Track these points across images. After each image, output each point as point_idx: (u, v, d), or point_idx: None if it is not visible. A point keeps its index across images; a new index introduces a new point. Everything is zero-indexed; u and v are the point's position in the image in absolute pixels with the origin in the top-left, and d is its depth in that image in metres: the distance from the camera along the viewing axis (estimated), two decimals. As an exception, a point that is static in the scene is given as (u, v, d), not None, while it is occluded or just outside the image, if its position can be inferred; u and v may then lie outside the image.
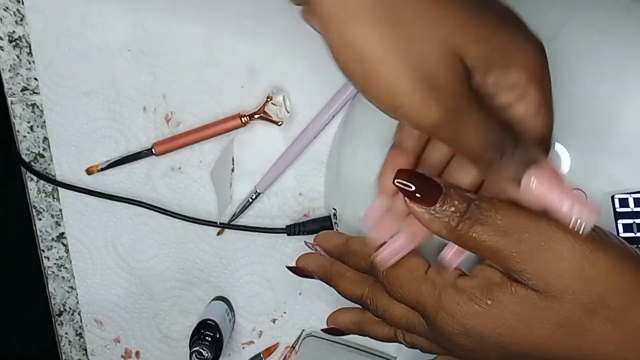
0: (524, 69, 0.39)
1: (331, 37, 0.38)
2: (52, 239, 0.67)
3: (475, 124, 0.38)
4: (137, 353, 0.70)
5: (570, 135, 0.50)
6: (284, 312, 0.67)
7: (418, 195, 0.40)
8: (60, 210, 0.66)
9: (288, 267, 0.52)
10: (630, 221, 0.49)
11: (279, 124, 0.62)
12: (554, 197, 0.38)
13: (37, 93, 0.64)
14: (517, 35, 0.40)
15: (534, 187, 0.38)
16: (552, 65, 0.51)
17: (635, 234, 0.49)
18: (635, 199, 0.49)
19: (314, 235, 0.63)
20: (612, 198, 0.49)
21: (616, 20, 0.54)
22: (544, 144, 0.41)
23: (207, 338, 0.62)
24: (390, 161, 0.45)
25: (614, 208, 0.49)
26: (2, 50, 0.63)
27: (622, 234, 0.49)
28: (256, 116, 0.62)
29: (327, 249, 0.50)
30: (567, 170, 0.49)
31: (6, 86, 0.64)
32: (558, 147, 0.50)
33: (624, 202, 0.49)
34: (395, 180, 0.41)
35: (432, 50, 0.36)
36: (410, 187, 0.40)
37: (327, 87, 0.61)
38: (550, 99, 0.42)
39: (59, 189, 0.65)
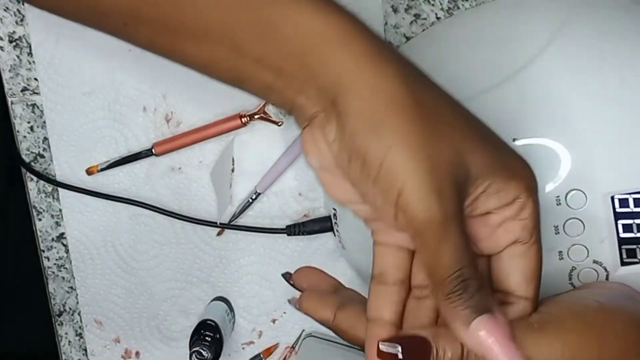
0: (524, 183, 0.40)
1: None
2: (52, 239, 0.67)
3: (456, 244, 0.37)
4: (137, 353, 0.70)
5: (570, 136, 0.50)
6: (284, 312, 0.67)
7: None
8: (60, 210, 0.66)
9: (283, 275, 0.50)
10: (630, 221, 0.49)
11: (279, 124, 0.62)
12: (500, 355, 0.37)
13: (37, 93, 0.64)
14: (514, 151, 0.41)
15: (482, 336, 0.37)
16: (552, 67, 0.51)
17: (635, 234, 0.49)
18: (635, 199, 0.49)
19: (314, 236, 0.63)
20: (612, 198, 0.49)
21: (616, 20, 0.54)
22: (536, 274, 0.41)
23: (207, 338, 0.62)
24: (374, 299, 0.43)
25: (614, 208, 0.49)
26: (2, 50, 0.63)
27: (622, 234, 0.49)
28: (256, 116, 0.62)
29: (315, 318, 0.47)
30: (567, 171, 0.49)
31: (6, 86, 0.64)
32: (558, 148, 0.50)
33: (624, 203, 0.49)
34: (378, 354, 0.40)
35: (446, 149, 0.37)
36: (397, 354, 0.39)
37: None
38: (539, 227, 0.41)
39: (59, 189, 0.65)
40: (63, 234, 0.67)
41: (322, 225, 0.63)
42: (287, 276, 0.49)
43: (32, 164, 0.65)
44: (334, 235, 0.61)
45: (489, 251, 0.42)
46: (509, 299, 0.41)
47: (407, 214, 0.37)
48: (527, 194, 0.40)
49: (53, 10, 0.48)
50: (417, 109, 0.37)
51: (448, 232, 0.37)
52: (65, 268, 0.68)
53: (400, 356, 0.39)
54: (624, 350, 0.40)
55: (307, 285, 0.47)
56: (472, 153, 0.38)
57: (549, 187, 0.49)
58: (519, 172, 0.40)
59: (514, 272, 0.41)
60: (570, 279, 0.50)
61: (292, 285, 0.49)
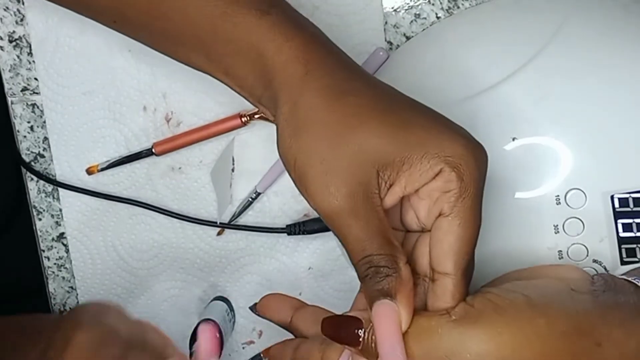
0: (445, 155, 0.41)
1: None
2: (52, 239, 0.67)
3: (357, 234, 0.42)
4: (137, 353, 0.70)
5: (570, 135, 0.50)
6: None
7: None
8: (60, 210, 0.66)
9: (250, 308, 0.52)
10: (629, 221, 0.49)
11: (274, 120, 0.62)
12: (384, 341, 0.40)
13: (37, 93, 0.64)
14: (440, 124, 0.43)
15: (375, 319, 0.41)
16: (552, 66, 0.51)
17: (635, 233, 0.49)
18: (634, 199, 0.49)
19: (314, 235, 0.63)
20: (612, 198, 0.49)
21: (616, 20, 0.54)
22: (454, 250, 0.42)
23: (207, 338, 0.62)
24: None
25: (614, 208, 0.49)
26: (2, 50, 0.63)
27: (622, 234, 0.49)
28: (256, 116, 0.62)
29: None
30: (567, 170, 0.49)
31: (6, 86, 0.64)
32: (558, 147, 0.50)
33: (623, 202, 0.49)
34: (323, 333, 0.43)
35: (340, 151, 0.42)
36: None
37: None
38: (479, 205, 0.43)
39: (59, 188, 0.65)
40: (63, 233, 0.67)
41: (323, 224, 0.62)
42: (253, 308, 0.51)
43: (32, 163, 0.65)
44: (334, 234, 0.61)
45: (430, 226, 0.43)
46: (434, 276, 0.43)
47: (314, 207, 0.43)
48: (451, 166, 0.41)
49: (55, 1, 0.52)
50: (328, 117, 0.42)
51: (348, 224, 0.42)
52: (65, 268, 0.68)
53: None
54: (546, 349, 0.39)
55: (270, 312, 0.50)
56: (381, 140, 0.42)
57: (548, 186, 0.50)
58: (440, 145, 0.41)
59: (434, 246, 0.42)
60: (570, 278, 0.50)
61: (259, 315, 0.50)
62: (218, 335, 0.56)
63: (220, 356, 0.63)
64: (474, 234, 0.42)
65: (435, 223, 0.42)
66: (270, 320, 0.49)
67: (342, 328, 0.42)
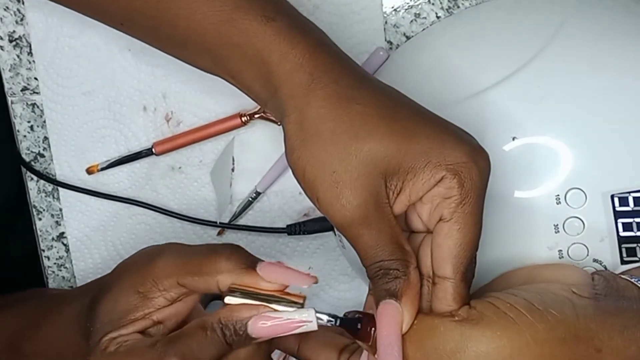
0: (447, 162, 0.42)
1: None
2: (52, 239, 0.67)
3: (369, 242, 0.43)
4: (137, 353, 0.70)
5: (570, 135, 0.50)
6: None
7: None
8: (60, 210, 0.66)
9: None
10: (629, 220, 0.49)
11: (279, 123, 0.62)
12: (383, 339, 0.42)
13: (37, 93, 0.64)
14: (445, 131, 0.43)
15: (377, 315, 0.42)
16: (553, 65, 0.51)
17: (635, 232, 0.49)
18: (634, 198, 0.49)
19: (314, 235, 0.63)
20: (612, 197, 0.49)
21: (616, 20, 0.54)
22: (453, 254, 0.43)
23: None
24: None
25: (614, 207, 0.49)
26: (2, 50, 0.63)
27: (622, 233, 0.49)
28: (256, 116, 0.62)
29: None
30: (567, 169, 0.49)
31: (6, 86, 0.64)
32: (558, 146, 0.50)
33: (623, 201, 0.49)
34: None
35: (350, 162, 0.42)
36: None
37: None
38: (480, 210, 0.44)
39: (59, 188, 0.65)
40: (63, 233, 0.67)
41: (323, 224, 0.63)
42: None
43: (32, 163, 0.65)
44: (334, 234, 0.61)
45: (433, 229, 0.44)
46: (434, 279, 0.43)
47: (327, 216, 0.44)
48: (453, 173, 0.42)
49: (63, 3, 0.52)
50: (336, 127, 0.43)
51: (360, 233, 0.43)
52: (66, 267, 0.68)
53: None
54: (545, 354, 0.40)
55: (275, 343, 0.50)
56: (387, 150, 0.42)
57: (548, 186, 0.50)
58: (443, 153, 0.42)
59: (434, 250, 0.43)
60: (570, 277, 0.50)
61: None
62: None
63: None
64: (474, 239, 0.43)
65: (436, 227, 0.43)
66: (277, 349, 0.49)
67: (356, 323, 0.43)
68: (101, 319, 0.45)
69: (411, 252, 0.43)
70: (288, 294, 0.43)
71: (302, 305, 0.43)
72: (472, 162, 0.42)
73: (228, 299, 0.43)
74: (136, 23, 0.49)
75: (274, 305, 0.43)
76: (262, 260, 0.44)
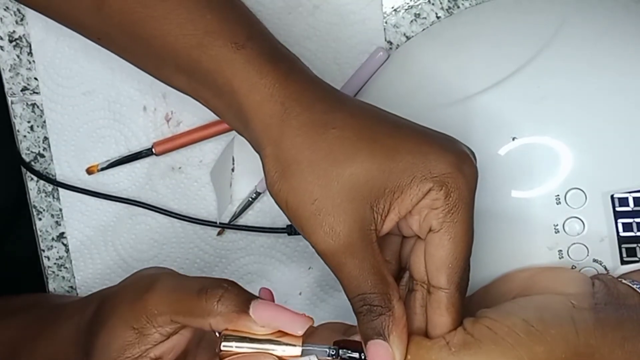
0: (433, 175, 0.42)
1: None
2: (52, 239, 0.67)
3: (351, 273, 0.42)
4: (137, 353, 0.70)
5: (570, 135, 0.50)
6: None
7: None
8: (60, 210, 0.66)
9: None
10: (630, 220, 0.49)
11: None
12: None
13: (37, 93, 0.64)
14: (428, 143, 0.43)
15: (368, 355, 0.42)
16: (553, 65, 0.51)
17: (635, 233, 0.49)
18: (634, 198, 0.49)
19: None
20: (612, 197, 0.49)
21: (616, 20, 0.54)
22: (445, 264, 0.43)
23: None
24: None
25: (614, 207, 0.49)
26: (2, 50, 0.63)
27: (622, 233, 0.49)
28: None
29: None
30: (567, 169, 0.49)
31: (6, 86, 0.64)
32: (558, 146, 0.50)
33: (623, 202, 0.49)
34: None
35: (330, 189, 0.42)
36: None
37: (327, 87, 0.61)
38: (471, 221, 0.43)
39: (59, 188, 0.65)
40: (63, 233, 0.67)
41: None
42: None
43: (32, 163, 0.65)
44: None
45: (424, 236, 0.44)
46: (429, 289, 0.43)
47: (312, 245, 0.43)
48: (439, 185, 0.42)
49: (41, 12, 0.51)
50: (313, 155, 0.42)
51: (343, 262, 0.42)
52: (66, 268, 0.68)
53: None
54: None
55: None
56: (369, 173, 0.42)
57: (548, 186, 0.50)
58: (427, 166, 0.42)
59: (427, 261, 0.43)
60: (570, 278, 0.50)
61: None
62: None
63: None
64: (466, 248, 0.43)
65: (427, 238, 0.43)
66: None
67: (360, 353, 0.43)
68: (98, 355, 0.45)
69: (394, 284, 0.43)
70: (284, 334, 0.43)
71: (300, 346, 0.43)
72: (458, 171, 0.42)
73: (224, 346, 0.43)
74: (113, 39, 0.48)
75: (272, 348, 0.42)
76: (257, 298, 0.43)
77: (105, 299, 0.47)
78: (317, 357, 0.42)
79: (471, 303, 0.46)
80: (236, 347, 0.42)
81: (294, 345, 0.42)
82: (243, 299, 0.43)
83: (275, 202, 0.44)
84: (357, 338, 0.44)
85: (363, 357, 0.43)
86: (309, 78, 0.45)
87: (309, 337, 0.47)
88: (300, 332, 0.42)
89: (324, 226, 0.42)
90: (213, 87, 0.45)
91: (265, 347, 0.42)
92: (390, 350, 0.41)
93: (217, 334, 0.43)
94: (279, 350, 0.42)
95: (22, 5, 0.62)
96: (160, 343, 0.44)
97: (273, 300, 0.45)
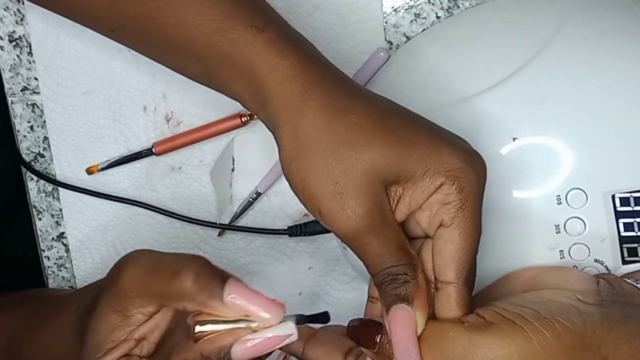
0: (444, 169, 0.42)
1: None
2: (52, 239, 0.67)
3: (375, 250, 0.43)
4: (137, 353, 0.70)
5: (571, 135, 0.50)
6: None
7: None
8: (60, 210, 0.66)
9: None
10: (631, 220, 0.49)
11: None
12: (400, 344, 0.42)
13: (37, 93, 0.64)
14: (439, 140, 0.43)
15: (391, 322, 0.42)
16: (553, 65, 0.51)
17: (636, 232, 0.49)
18: (635, 198, 0.49)
19: (315, 237, 0.63)
20: (613, 197, 0.49)
21: (616, 20, 0.54)
22: (454, 258, 0.43)
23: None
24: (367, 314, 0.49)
25: (615, 207, 0.49)
26: (2, 50, 0.63)
27: (623, 233, 0.49)
28: (256, 116, 0.61)
29: None
30: (568, 169, 0.49)
31: (6, 86, 0.64)
32: (559, 146, 0.50)
33: (624, 201, 0.49)
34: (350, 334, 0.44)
35: (351, 172, 0.42)
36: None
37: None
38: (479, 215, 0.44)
39: (59, 188, 0.65)
40: (63, 233, 0.67)
41: (323, 225, 0.62)
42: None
43: (32, 163, 0.65)
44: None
45: (432, 234, 0.44)
46: (437, 284, 0.44)
47: (331, 228, 0.44)
48: (452, 179, 0.42)
49: (52, 9, 0.51)
50: (333, 139, 0.43)
51: (367, 242, 0.43)
52: (66, 268, 0.68)
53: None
54: None
55: None
56: (386, 159, 0.42)
57: (549, 186, 0.50)
58: (441, 160, 0.42)
59: (436, 256, 0.43)
60: (571, 277, 0.50)
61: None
62: None
63: None
64: (475, 243, 0.43)
65: (436, 233, 0.43)
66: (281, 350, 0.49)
67: (361, 331, 0.44)
68: (88, 340, 0.45)
69: (417, 257, 0.43)
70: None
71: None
72: (470, 167, 0.42)
73: (198, 329, 0.43)
74: (126, 30, 0.49)
75: (248, 324, 0.43)
76: (230, 276, 0.43)
77: (100, 287, 0.47)
78: (295, 323, 0.43)
79: (475, 303, 0.46)
80: (211, 329, 0.43)
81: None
82: (218, 277, 0.43)
83: (290, 182, 0.45)
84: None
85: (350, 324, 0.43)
86: (327, 65, 0.46)
87: (310, 339, 0.48)
88: (274, 321, 0.43)
89: (346, 209, 0.42)
90: (231, 70, 0.45)
91: (240, 325, 0.43)
92: (414, 315, 0.41)
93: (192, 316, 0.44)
94: (255, 323, 0.43)
95: (22, 5, 0.62)
96: (143, 324, 0.44)
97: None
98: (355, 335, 0.44)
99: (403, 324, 0.41)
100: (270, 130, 0.46)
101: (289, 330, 0.43)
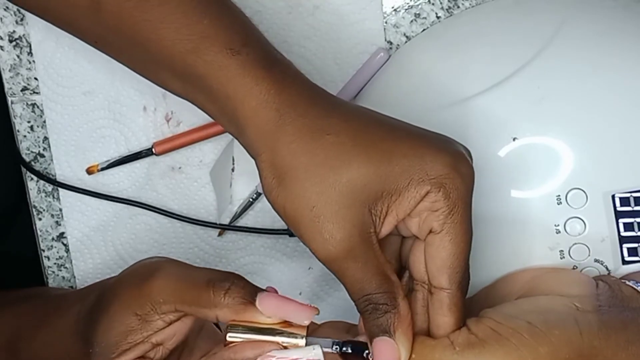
0: (430, 177, 0.42)
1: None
2: (52, 239, 0.67)
3: (354, 276, 0.42)
4: (137, 353, 0.70)
5: (571, 135, 0.50)
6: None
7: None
8: (60, 210, 0.66)
9: None
10: (631, 220, 0.49)
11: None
12: None
13: (37, 93, 0.64)
14: (422, 146, 0.43)
15: (374, 353, 0.42)
16: (553, 65, 0.51)
17: (636, 232, 0.49)
18: (635, 198, 0.49)
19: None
20: (613, 197, 0.49)
21: (616, 20, 0.54)
22: (447, 265, 0.43)
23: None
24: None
25: (615, 207, 0.49)
26: (2, 50, 0.63)
27: (623, 233, 0.49)
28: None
29: None
30: (568, 169, 0.49)
31: (6, 86, 0.64)
32: (559, 146, 0.50)
33: (624, 201, 0.49)
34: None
35: (329, 195, 0.42)
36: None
37: (327, 86, 0.60)
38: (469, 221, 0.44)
39: (59, 188, 0.65)
40: (63, 233, 0.67)
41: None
42: None
43: (32, 163, 0.65)
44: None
45: (423, 237, 0.44)
46: (431, 289, 0.43)
47: (311, 251, 0.43)
48: (437, 186, 0.42)
49: (40, 17, 0.52)
50: (310, 161, 0.42)
51: (345, 267, 0.42)
52: (66, 268, 0.68)
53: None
54: None
55: None
56: (366, 177, 0.42)
57: (549, 186, 0.50)
58: (424, 168, 0.42)
59: (428, 262, 0.43)
60: (571, 277, 0.50)
61: None
62: None
63: None
64: (466, 247, 0.43)
65: (427, 239, 0.43)
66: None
67: (352, 358, 0.43)
68: (100, 340, 0.45)
69: (398, 282, 0.43)
70: (290, 324, 0.43)
71: (304, 337, 0.43)
72: (455, 171, 0.42)
73: (230, 336, 0.43)
74: (109, 42, 0.48)
75: (277, 339, 0.43)
76: (262, 290, 0.44)
77: (107, 288, 0.47)
78: (322, 347, 0.43)
79: (473, 304, 0.46)
80: (242, 337, 0.43)
81: (299, 335, 0.43)
82: (249, 291, 0.43)
83: (273, 208, 0.44)
84: (361, 338, 0.44)
85: (367, 354, 0.43)
86: (303, 83, 0.46)
87: (312, 333, 0.47)
88: (307, 322, 0.43)
89: (323, 233, 0.42)
90: (208, 92, 0.45)
91: (270, 337, 0.43)
92: (396, 347, 0.41)
93: (221, 327, 0.44)
94: (284, 339, 0.43)
95: (22, 5, 0.62)
96: (162, 329, 0.44)
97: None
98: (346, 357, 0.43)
99: (386, 356, 0.42)
100: (251, 157, 0.46)
101: (316, 356, 0.43)
